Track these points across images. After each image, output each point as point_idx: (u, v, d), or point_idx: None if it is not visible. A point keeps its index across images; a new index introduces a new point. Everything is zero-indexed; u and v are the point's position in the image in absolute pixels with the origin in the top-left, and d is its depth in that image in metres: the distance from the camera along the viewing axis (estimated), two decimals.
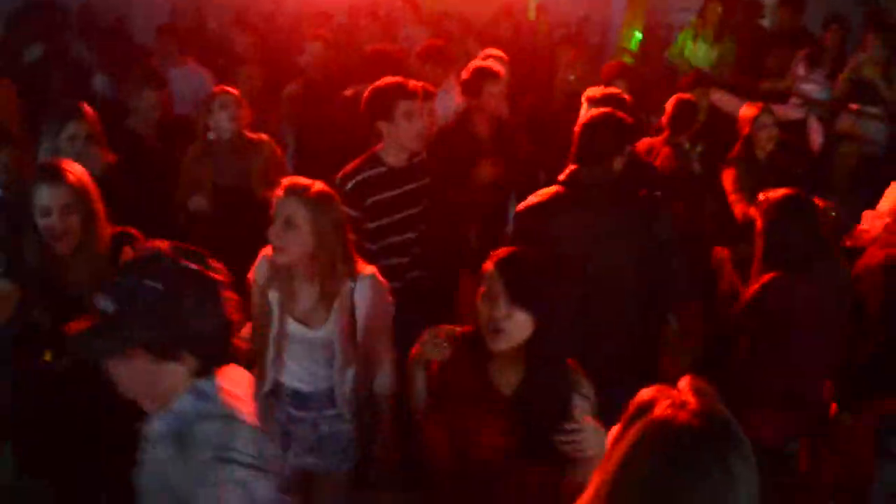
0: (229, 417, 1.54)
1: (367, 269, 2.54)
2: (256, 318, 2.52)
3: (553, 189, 2.91)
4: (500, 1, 10.40)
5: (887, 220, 3.15)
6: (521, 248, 2.10)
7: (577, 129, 2.92)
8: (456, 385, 2.11)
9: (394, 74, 3.35)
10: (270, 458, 1.58)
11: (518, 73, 5.29)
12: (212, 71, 5.54)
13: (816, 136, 5.33)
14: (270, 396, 2.53)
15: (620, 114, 2.94)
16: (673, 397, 1.26)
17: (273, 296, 2.46)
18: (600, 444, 1.71)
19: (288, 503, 1.63)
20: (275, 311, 2.46)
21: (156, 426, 1.58)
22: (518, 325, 1.97)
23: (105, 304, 1.50)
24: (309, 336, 2.47)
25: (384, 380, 2.59)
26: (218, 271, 1.59)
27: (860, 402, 3.07)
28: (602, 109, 2.99)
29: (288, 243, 2.36)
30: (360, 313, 2.50)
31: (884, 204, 3.19)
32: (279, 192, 2.39)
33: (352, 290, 2.48)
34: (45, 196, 2.36)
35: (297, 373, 2.52)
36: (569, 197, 2.84)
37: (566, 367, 2.08)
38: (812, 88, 5.83)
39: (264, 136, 3.93)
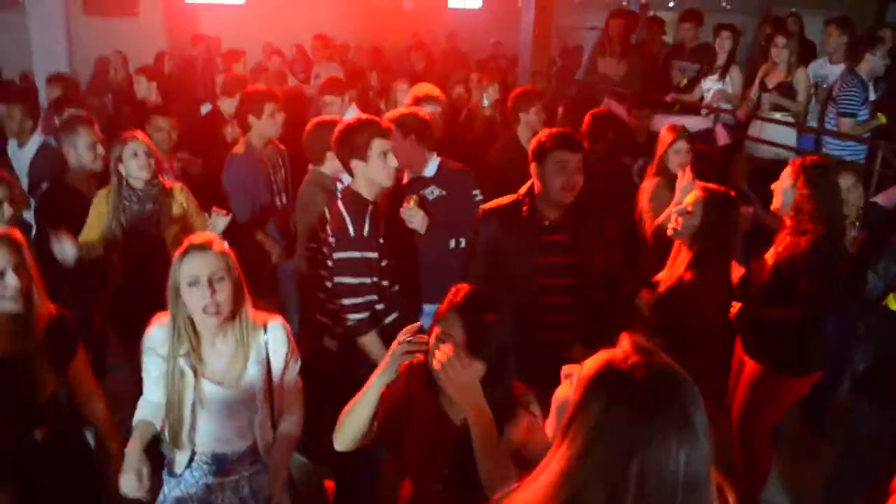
0: None
1: (275, 317, 2.48)
2: (170, 391, 2.35)
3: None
4: (413, 32, 10.62)
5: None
6: (477, 287, 2.05)
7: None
8: (409, 408, 2.07)
9: (302, 112, 3.32)
10: None
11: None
12: (119, 119, 5.43)
13: (723, 140, 5.52)
14: (186, 471, 2.39)
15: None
16: (616, 353, 1.25)
17: (183, 361, 2.35)
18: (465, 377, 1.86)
19: None
20: (188, 376, 2.34)
21: None
22: (474, 371, 1.94)
23: None
24: (227, 394, 2.38)
25: (292, 422, 2.52)
26: None
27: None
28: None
29: (222, 300, 2.28)
30: (276, 361, 2.44)
31: (778, 185, 3.31)
32: (188, 250, 2.29)
33: (265, 340, 2.42)
34: None
35: (216, 435, 2.39)
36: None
37: (512, 391, 2.05)
38: (717, 97, 6.07)
39: (178, 184, 3.82)
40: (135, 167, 3.54)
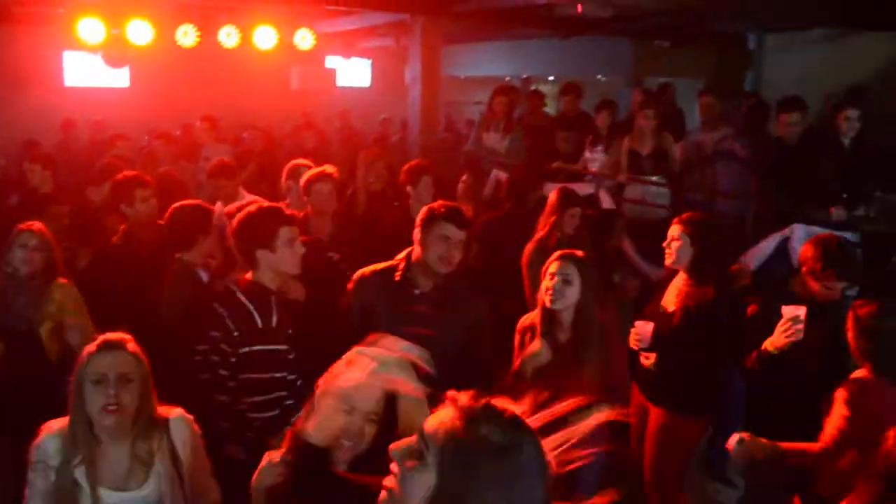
0: None
1: (174, 410, 2.37)
2: None
3: None
4: (302, 112, 10.69)
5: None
6: None
7: None
8: None
9: (182, 197, 3.24)
10: None
11: None
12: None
13: (608, 204, 5.78)
14: None
15: None
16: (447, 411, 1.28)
17: (79, 471, 2.19)
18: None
19: None
20: (84, 487, 2.17)
21: None
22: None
23: None
24: (131, 500, 2.23)
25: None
26: None
27: None
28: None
29: (126, 401, 2.17)
30: (184, 455, 2.32)
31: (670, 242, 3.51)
32: (100, 347, 2.19)
33: (169, 436, 2.31)
34: None
35: None
36: None
37: None
38: (599, 166, 6.39)
39: (63, 280, 3.62)
40: (17, 257, 3.39)
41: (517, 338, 3.37)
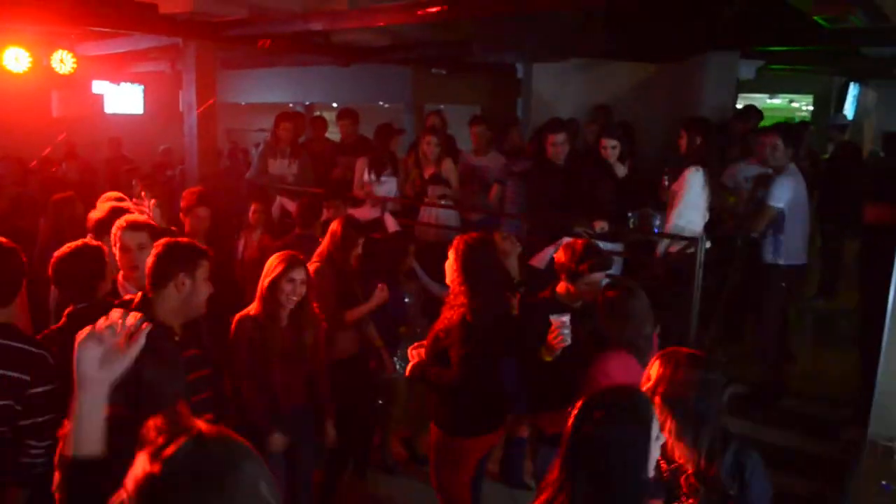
0: None
1: None
2: None
3: None
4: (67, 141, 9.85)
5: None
6: None
7: None
8: None
9: None
10: None
11: None
12: None
13: (393, 227, 5.88)
14: None
15: None
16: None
17: None
18: None
19: None
20: None
21: None
22: None
23: None
24: None
25: None
26: None
27: None
28: None
29: None
30: None
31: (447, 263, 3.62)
32: None
33: None
34: None
35: None
36: None
37: None
38: (384, 189, 6.48)
39: None
40: None
41: None
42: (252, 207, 5.79)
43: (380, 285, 4.47)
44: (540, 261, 5.14)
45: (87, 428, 1.67)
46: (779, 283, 5.28)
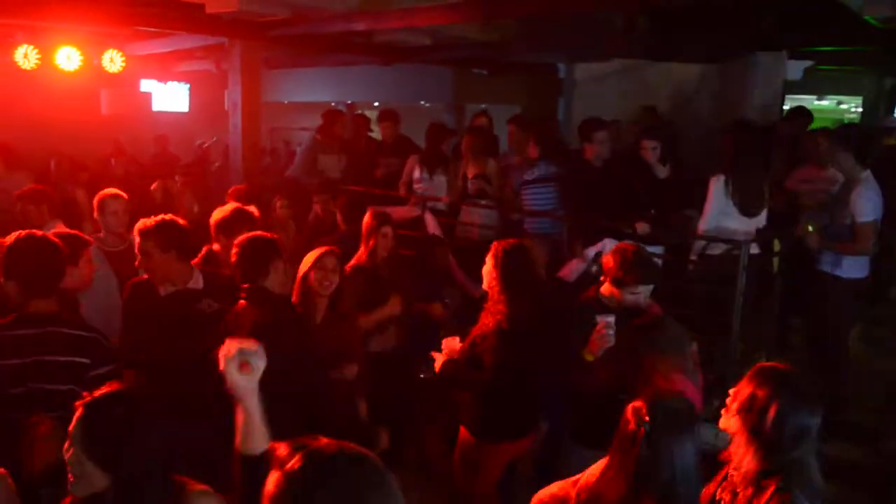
0: None
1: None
2: None
3: None
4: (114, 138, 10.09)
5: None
6: None
7: None
8: None
9: None
10: None
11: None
12: None
13: (433, 228, 5.89)
14: None
15: None
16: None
17: None
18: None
19: None
20: None
21: None
22: None
23: None
24: None
25: None
26: None
27: None
28: None
29: None
30: None
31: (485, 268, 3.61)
32: None
33: None
34: None
35: None
36: None
37: None
38: (425, 188, 6.50)
39: None
40: None
41: None
42: (277, 203, 5.72)
43: (393, 297, 4.45)
44: (570, 273, 5.10)
45: (252, 429, 1.89)
46: (847, 296, 5.07)
